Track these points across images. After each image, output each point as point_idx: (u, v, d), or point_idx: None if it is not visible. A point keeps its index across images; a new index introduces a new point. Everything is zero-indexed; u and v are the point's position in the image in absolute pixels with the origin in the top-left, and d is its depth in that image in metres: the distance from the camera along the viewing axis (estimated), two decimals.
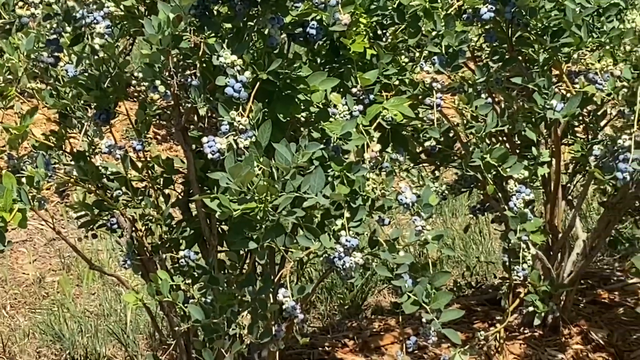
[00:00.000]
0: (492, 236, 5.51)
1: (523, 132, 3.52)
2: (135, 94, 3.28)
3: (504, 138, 3.90)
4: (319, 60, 3.11)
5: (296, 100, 2.86)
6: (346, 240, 2.60)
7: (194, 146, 3.02)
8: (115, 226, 3.26)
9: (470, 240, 5.57)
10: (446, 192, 3.97)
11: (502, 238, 3.55)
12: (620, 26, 3.21)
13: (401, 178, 3.94)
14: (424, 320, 2.78)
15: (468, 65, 3.78)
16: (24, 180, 2.63)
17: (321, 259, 2.73)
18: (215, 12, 2.79)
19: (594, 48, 3.36)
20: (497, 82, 3.40)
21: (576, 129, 4.08)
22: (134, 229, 3.24)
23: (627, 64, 3.15)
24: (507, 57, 3.38)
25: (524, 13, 3.16)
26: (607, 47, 3.23)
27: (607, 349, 4.05)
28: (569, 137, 4.01)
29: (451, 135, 3.72)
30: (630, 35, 3.13)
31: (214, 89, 2.70)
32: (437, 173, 4.04)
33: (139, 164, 3.25)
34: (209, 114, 3.04)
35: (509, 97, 3.54)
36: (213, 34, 2.70)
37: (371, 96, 3.05)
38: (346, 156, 2.86)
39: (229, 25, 2.81)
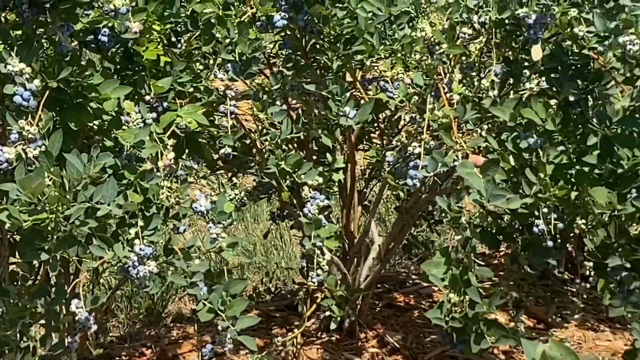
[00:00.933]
0: (292, 242, 5.61)
1: (320, 139, 3.60)
2: None
3: (302, 144, 3.97)
4: (112, 68, 3.12)
5: (88, 108, 2.86)
6: (140, 249, 2.63)
7: None
8: None
9: (271, 246, 5.66)
10: (245, 198, 4.03)
11: (301, 244, 3.63)
12: (413, 34, 3.34)
13: (201, 185, 3.98)
14: (219, 327, 2.84)
15: (264, 73, 3.86)
16: None
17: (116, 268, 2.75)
18: (2, 20, 2.76)
19: (387, 55, 3.48)
20: (292, 89, 3.49)
21: (372, 135, 4.20)
22: None
23: (418, 71, 3.28)
24: (301, 64, 3.47)
25: (316, 21, 3.25)
26: (399, 55, 3.36)
27: (402, 351, 4.17)
28: (365, 143, 4.14)
29: (248, 142, 3.78)
30: (421, 43, 3.27)
31: (2, 98, 2.67)
32: (235, 180, 4.10)
33: None
34: None
35: (306, 104, 3.62)
36: (1, 42, 2.68)
37: (165, 104, 3.08)
38: (140, 164, 2.88)
39: (19, 32, 2.79)
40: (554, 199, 3.04)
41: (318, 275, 3.22)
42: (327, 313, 3.77)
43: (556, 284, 4.69)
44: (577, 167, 3.17)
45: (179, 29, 3.25)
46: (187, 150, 3.26)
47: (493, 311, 3.02)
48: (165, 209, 2.83)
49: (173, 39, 3.24)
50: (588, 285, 3.69)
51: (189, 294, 2.91)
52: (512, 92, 3.45)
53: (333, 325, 3.83)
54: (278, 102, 3.45)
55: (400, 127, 4.01)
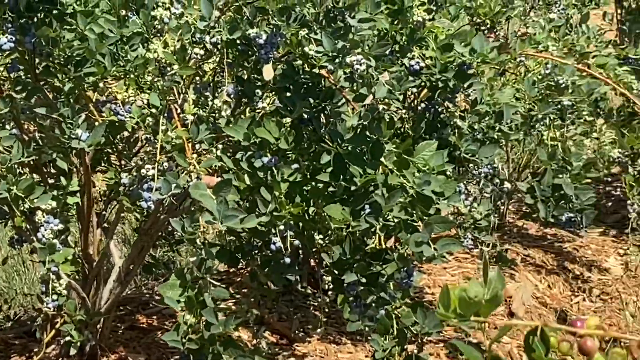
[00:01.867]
0: (35, 267, 5.49)
1: (55, 162, 3.55)
2: None
3: (36, 168, 3.89)
4: None
5: None
6: None
7: None
8: None
9: (13, 271, 5.52)
10: None
11: None
12: (147, 54, 3.33)
13: None
14: None
15: None
16: None
17: None
18: None
19: (121, 76, 3.47)
20: (23, 113, 3.42)
21: (111, 156, 4.17)
22: None
23: (153, 92, 3.29)
24: (31, 87, 3.40)
25: (44, 43, 3.20)
26: (132, 76, 3.35)
27: None
28: (103, 165, 4.11)
29: None
30: (152, 64, 3.27)
31: None
32: None
33: None
34: None
35: (41, 127, 3.56)
36: None
37: None
38: None
39: None
40: (290, 217, 3.12)
41: (54, 300, 3.18)
42: (67, 338, 3.73)
43: (299, 299, 4.80)
44: (312, 184, 3.27)
45: None
46: None
47: (230, 331, 3.07)
48: None
49: None
50: (328, 300, 3.80)
51: None
52: (247, 111, 3.52)
53: (73, 351, 3.77)
54: (8, 127, 3.37)
55: (138, 148, 4.01)
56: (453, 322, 1.44)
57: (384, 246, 3.22)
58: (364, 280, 3.19)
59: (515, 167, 5.73)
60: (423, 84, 3.83)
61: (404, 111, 4.04)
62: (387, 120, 3.22)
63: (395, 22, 3.56)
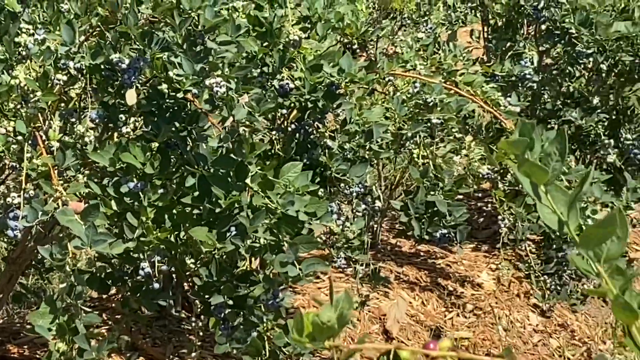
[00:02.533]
0: None
1: None
2: None
3: None
4: None
5: None
6: None
7: None
8: None
9: None
10: None
11: None
12: (12, 81, 3.30)
13: None
14: None
15: None
16: None
17: None
18: None
19: None
20: None
21: None
22: None
23: (19, 119, 3.26)
24: None
25: None
26: None
27: None
28: None
29: None
30: (15, 91, 3.25)
31: None
32: None
33: None
34: None
35: None
36: None
37: None
38: None
39: None
40: (157, 242, 3.14)
41: None
42: None
43: (173, 324, 4.80)
44: (179, 208, 3.30)
45: None
46: None
47: (103, 357, 3.07)
48: None
49: None
50: (201, 323, 3.82)
51: None
52: (115, 136, 3.52)
53: None
54: None
55: (4, 177, 3.96)
56: (308, 346, 1.48)
57: (252, 268, 3.26)
58: (231, 302, 3.23)
59: (388, 185, 5.81)
60: (293, 104, 3.89)
61: (274, 132, 4.08)
62: (251, 142, 3.26)
63: (265, 44, 3.61)
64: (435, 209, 4.25)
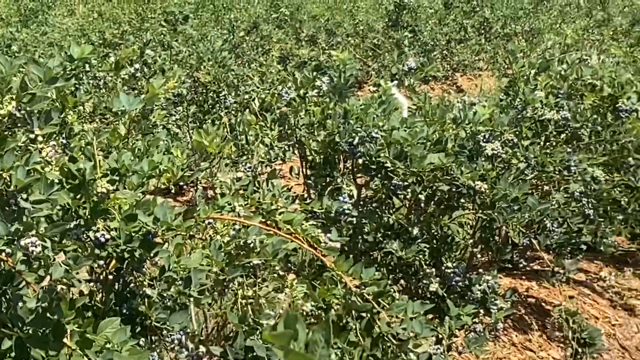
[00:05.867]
0: None
1: None
2: None
3: None
4: None
5: None
6: None
7: None
8: None
9: None
10: None
11: None
12: None
13: None
14: None
15: None
16: None
17: None
18: None
19: None
20: None
21: None
22: None
23: None
24: None
25: None
26: None
27: None
28: None
29: None
30: None
31: None
32: None
33: None
34: None
35: None
36: None
37: None
38: None
39: None
40: None
41: None
42: None
43: None
44: None
45: None
46: None
47: None
48: None
49: None
50: None
51: None
52: None
53: None
54: None
55: None
56: None
57: None
58: None
59: (215, 326, 5.88)
60: (110, 255, 3.98)
61: (92, 284, 4.15)
62: (68, 300, 3.35)
63: (78, 197, 3.71)
64: (255, 354, 4.32)
